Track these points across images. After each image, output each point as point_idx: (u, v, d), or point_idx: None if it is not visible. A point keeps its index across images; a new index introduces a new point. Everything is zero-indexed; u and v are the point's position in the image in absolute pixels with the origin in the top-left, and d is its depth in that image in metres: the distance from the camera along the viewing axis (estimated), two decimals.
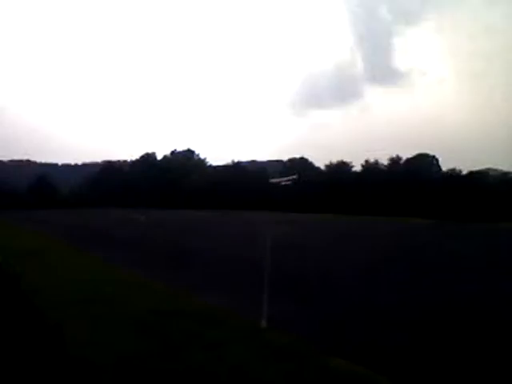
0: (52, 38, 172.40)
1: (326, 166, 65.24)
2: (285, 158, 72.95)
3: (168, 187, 65.68)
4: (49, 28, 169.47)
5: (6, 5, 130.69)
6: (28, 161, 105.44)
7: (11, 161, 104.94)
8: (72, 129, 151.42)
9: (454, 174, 52.20)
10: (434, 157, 61.19)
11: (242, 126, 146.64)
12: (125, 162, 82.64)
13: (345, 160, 63.93)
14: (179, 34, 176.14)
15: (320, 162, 69.42)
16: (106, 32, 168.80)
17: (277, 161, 74.53)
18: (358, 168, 62.32)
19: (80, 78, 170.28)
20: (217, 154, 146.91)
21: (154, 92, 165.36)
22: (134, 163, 79.06)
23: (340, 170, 62.40)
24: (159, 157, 78.94)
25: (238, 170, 67.02)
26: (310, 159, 69.51)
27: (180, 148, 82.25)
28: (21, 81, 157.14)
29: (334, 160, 64.11)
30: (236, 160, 70.95)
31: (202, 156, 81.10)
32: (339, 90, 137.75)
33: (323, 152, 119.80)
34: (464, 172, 52.28)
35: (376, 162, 61.42)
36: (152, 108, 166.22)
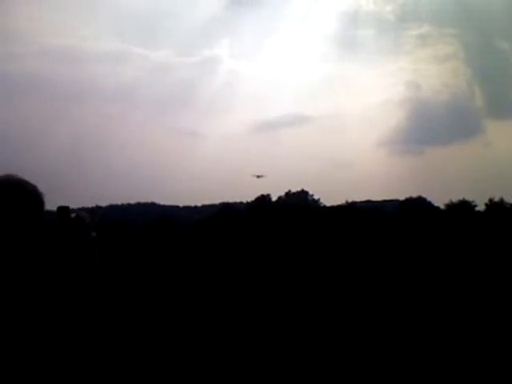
0: None
1: (446, 206, 62.79)
2: (401, 197, 71.50)
3: (282, 228, 66.37)
4: None
5: None
6: (153, 203, 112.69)
7: (138, 203, 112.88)
8: (192, 172, 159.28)
9: None
10: None
11: (355, 165, 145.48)
12: (241, 203, 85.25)
13: (466, 199, 61.24)
14: None
15: (439, 201, 67.08)
16: None
17: (393, 200, 72.94)
18: (481, 207, 59.51)
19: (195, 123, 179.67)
20: (330, 194, 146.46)
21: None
22: (249, 204, 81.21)
23: (461, 209, 59.59)
24: (274, 198, 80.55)
25: (352, 211, 66.38)
26: (429, 198, 67.42)
27: (294, 189, 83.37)
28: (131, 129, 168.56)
29: (455, 199, 61.69)
30: (350, 200, 70.52)
31: (315, 197, 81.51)
32: (457, 125, 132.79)
33: (442, 191, 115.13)
34: None
35: (501, 201, 57.99)
36: (265, 149, 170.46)
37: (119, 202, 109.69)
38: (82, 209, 1.87)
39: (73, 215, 1.72)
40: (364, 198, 79.13)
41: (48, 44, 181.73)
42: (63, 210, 1.69)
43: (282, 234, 64.32)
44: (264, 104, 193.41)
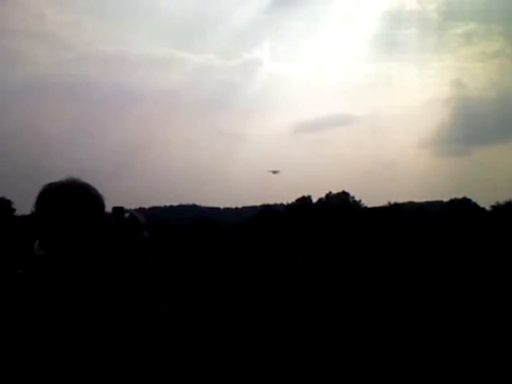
0: None
1: (492, 207, 61.10)
2: (445, 198, 69.98)
3: (322, 230, 66.04)
4: None
5: None
6: (194, 205, 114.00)
7: (179, 205, 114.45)
8: (233, 174, 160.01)
9: None
10: None
11: (398, 166, 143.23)
12: (281, 204, 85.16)
13: None
14: None
15: (485, 202, 65.38)
16: None
17: (436, 202, 71.54)
18: None
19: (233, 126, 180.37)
20: (372, 195, 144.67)
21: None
22: (289, 206, 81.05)
23: (508, 210, 57.79)
24: (314, 199, 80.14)
25: (394, 212, 65.39)
26: (474, 199, 65.77)
27: (335, 190, 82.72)
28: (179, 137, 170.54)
29: (501, 200, 59.91)
30: (392, 201, 69.47)
31: (357, 198, 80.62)
32: (504, 124, 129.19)
33: (488, 191, 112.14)
34: None
35: None
36: (306, 151, 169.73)
37: (161, 204, 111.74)
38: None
39: (126, 215, 1.72)
40: (407, 199, 77.89)
41: (95, 50, 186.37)
42: (118, 211, 1.70)
43: (323, 235, 63.98)
44: (305, 105, 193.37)
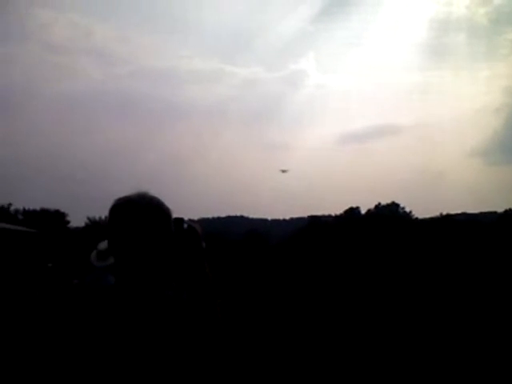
0: None
1: None
2: (499, 209, 67.67)
3: (372, 242, 65.04)
4: None
5: None
6: (242, 216, 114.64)
7: (227, 216, 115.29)
8: (280, 185, 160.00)
9: None
10: None
11: (449, 176, 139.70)
12: (329, 215, 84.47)
13: None
14: None
15: None
16: None
17: (490, 212, 69.24)
18: None
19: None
20: (423, 206, 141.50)
21: None
22: (338, 217, 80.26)
23: None
24: (363, 210, 79.07)
25: (447, 223, 63.72)
26: None
27: (384, 201, 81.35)
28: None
29: None
30: (444, 212, 67.76)
31: (407, 209, 78.99)
32: None
33: None
34: None
35: None
36: (353, 161, 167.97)
37: (209, 216, 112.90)
38: None
39: (185, 226, 1.74)
40: (459, 211, 75.76)
41: (145, 65, 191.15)
42: (178, 222, 1.72)
43: (373, 246, 62.93)
44: (352, 115, 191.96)
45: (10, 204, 64.51)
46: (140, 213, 1.60)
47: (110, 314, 1.55)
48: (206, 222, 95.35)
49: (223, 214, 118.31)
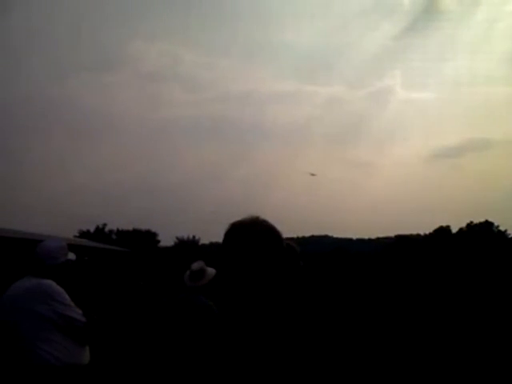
0: None
1: None
2: None
3: (462, 263, 62.19)
4: None
5: None
6: (326, 236, 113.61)
7: (311, 236, 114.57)
8: (367, 204, 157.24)
9: None
10: None
11: None
12: (418, 235, 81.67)
13: None
14: None
15: None
16: None
17: None
18: None
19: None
20: None
21: None
22: (427, 237, 77.49)
23: None
24: (454, 230, 75.81)
25: None
26: None
27: (477, 220, 77.56)
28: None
29: None
30: None
31: (502, 228, 74.78)
32: None
33: None
34: None
35: None
36: (443, 178, 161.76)
37: (294, 235, 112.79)
38: None
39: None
40: None
41: (227, 89, 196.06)
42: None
43: (465, 267, 59.95)
44: (440, 131, 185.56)
45: (104, 224, 68.06)
46: (255, 237, 1.62)
47: (214, 336, 1.60)
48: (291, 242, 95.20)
49: (307, 234, 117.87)
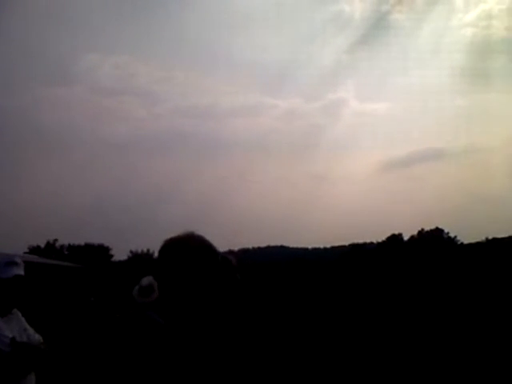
0: None
1: None
2: None
3: (416, 268, 63.77)
4: None
5: None
6: (282, 246, 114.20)
7: (267, 246, 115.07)
8: (321, 214, 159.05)
9: None
10: None
11: (496, 200, 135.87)
12: (371, 243, 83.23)
13: None
14: None
15: None
16: None
17: None
18: None
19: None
20: (469, 231, 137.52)
21: None
22: (380, 244, 79.06)
23: None
24: (406, 237, 77.64)
25: (493, 247, 61.87)
26: None
27: (427, 227, 79.68)
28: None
29: None
30: (490, 237, 65.82)
31: (452, 234, 77.07)
32: None
33: None
34: None
35: None
36: (396, 188, 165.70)
37: (250, 246, 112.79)
38: None
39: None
40: (507, 234, 73.33)
41: (185, 102, 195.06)
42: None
43: (417, 273, 61.41)
44: (394, 142, 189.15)
45: (55, 240, 66.27)
46: (189, 253, 1.63)
47: (157, 350, 1.59)
48: (246, 253, 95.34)
49: (263, 244, 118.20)
